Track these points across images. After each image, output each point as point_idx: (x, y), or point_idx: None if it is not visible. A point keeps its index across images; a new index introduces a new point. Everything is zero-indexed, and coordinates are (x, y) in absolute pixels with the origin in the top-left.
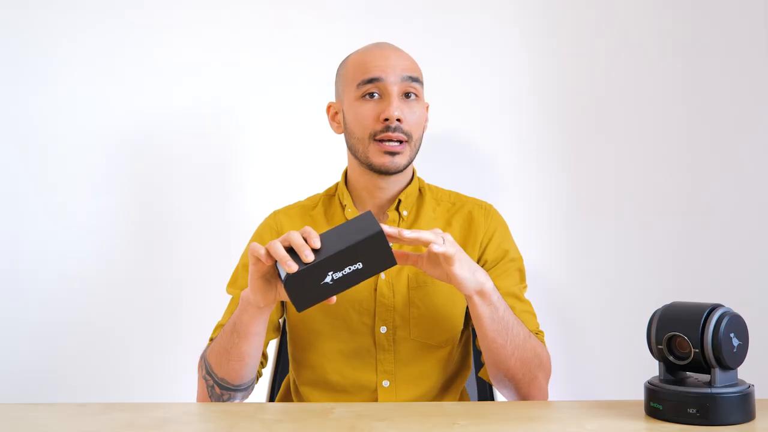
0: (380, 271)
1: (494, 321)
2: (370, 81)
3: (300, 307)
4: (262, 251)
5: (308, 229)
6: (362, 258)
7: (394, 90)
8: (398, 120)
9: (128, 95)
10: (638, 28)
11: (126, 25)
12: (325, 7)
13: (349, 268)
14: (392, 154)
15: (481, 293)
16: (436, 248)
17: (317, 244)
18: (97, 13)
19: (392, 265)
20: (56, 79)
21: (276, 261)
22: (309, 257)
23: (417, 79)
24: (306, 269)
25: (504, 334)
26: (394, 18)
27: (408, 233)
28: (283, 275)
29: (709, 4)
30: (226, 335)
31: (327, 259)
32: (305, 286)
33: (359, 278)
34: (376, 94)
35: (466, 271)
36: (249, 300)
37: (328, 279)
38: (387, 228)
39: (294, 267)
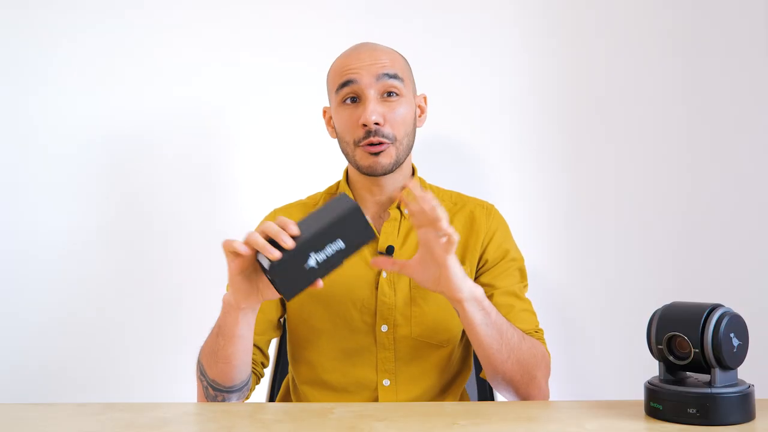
0: (361, 247)
1: (488, 326)
2: (345, 84)
3: (288, 296)
4: (241, 246)
5: (282, 218)
6: (342, 235)
7: (370, 92)
8: (377, 123)
9: (128, 95)
10: (638, 28)
11: (126, 25)
12: (325, 7)
13: (331, 248)
14: (376, 154)
15: (474, 299)
16: (445, 225)
17: (295, 231)
18: (97, 13)
19: (372, 239)
20: (56, 79)
21: (257, 254)
22: (288, 242)
23: (395, 76)
24: (288, 254)
25: (498, 339)
26: (394, 18)
27: (430, 200)
28: (266, 264)
29: (709, 4)
30: (213, 338)
31: (307, 241)
32: (290, 273)
33: (342, 257)
34: (356, 99)
35: (459, 270)
36: (230, 302)
37: (311, 262)
38: (415, 189)
39: (277, 254)
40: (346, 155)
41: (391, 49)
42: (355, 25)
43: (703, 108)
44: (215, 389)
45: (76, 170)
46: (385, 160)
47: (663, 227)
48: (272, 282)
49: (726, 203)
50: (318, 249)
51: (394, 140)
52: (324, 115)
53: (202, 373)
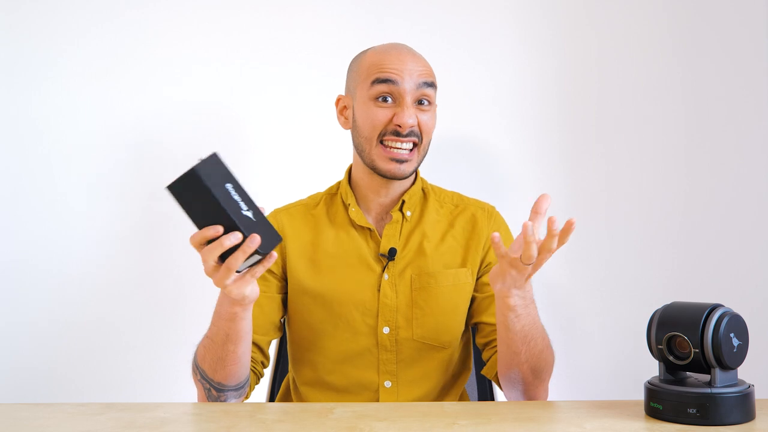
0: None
1: (515, 332)
2: (385, 81)
3: (277, 239)
4: (230, 278)
5: (194, 237)
6: (223, 182)
7: (409, 98)
8: (411, 127)
9: (129, 95)
10: (638, 28)
11: (126, 26)
12: (327, 7)
13: (236, 196)
14: (399, 161)
15: (513, 308)
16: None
17: (213, 221)
18: (97, 14)
19: (213, 156)
20: (57, 80)
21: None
22: (218, 230)
23: (432, 84)
24: (243, 227)
25: (520, 345)
26: (395, 18)
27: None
28: (247, 261)
29: (709, 4)
30: (218, 346)
31: (229, 213)
32: (260, 231)
33: (241, 191)
34: (389, 98)
35: (525, 286)
36: (235, 311)
37: (246, 214)
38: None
39: (257, 240)
40: (361, 151)
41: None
42: (356, 26)
43: (703, 108)
44: (220, 390)
45: (75, 171)
46: (409, 168)
47: (663, 227)
48: (265, 252)
49: (726, 203)
50: (237, 208)
51: (420, 142)
52: (337, 104)
53: (203, 377)
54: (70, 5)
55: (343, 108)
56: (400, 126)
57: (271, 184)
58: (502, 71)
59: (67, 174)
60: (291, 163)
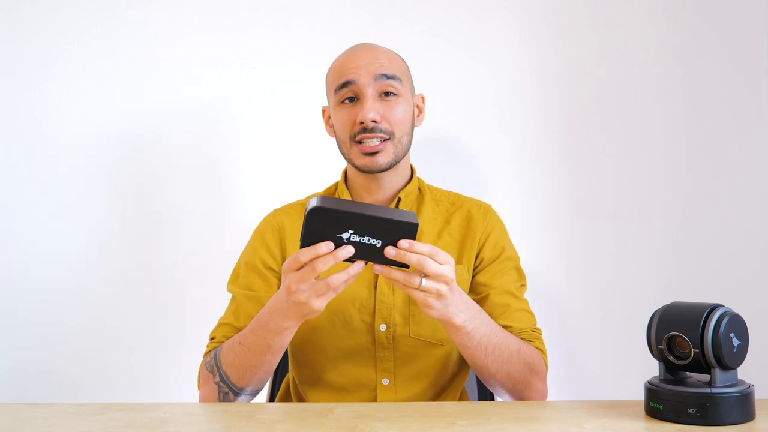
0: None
1: (469, 348)
2: (344, 85)
3: (305, 242)
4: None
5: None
6: (385, 237)
7: (368, 92)
8: (374, 121)
9: (129, 95)
10: (637, 28)
11: (126, 26)
12: (327, 7)
13: (369, 240)
14: (372, 154)
15: (456, 328)
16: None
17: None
18: (97, 14)
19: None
20: (57, 80)
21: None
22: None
23: (393, 77)
24: (331, 209)
25: (483, 358)
26: (395, 18)
27: (412, 257)
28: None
29: (709, 4)
30: (255, 355)
31: (355, 216)
32: (322, 226)
33: (371, 256)
34: (354, 98)
35: (438, 313)
36: (288, 326)
37: (345, 234)
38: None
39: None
40: (343, 154)
41: (388, 49)
42: (355, 26)
43: (703, 108)
44: (238, 393)
45: (76, 171)
46: (383, 159)
47: (663, 227)
48: (304, 222)
49: (725, 203)
50: (358, 232)
51: (392, 136)
52: (323, 115)
53: (223, 381)
54: (70, 5)
55: (327, 118)
56: (362, 122)
57: (271, 184)
58: (502, 71)
59: (68, 174)
60: (291, 162)
